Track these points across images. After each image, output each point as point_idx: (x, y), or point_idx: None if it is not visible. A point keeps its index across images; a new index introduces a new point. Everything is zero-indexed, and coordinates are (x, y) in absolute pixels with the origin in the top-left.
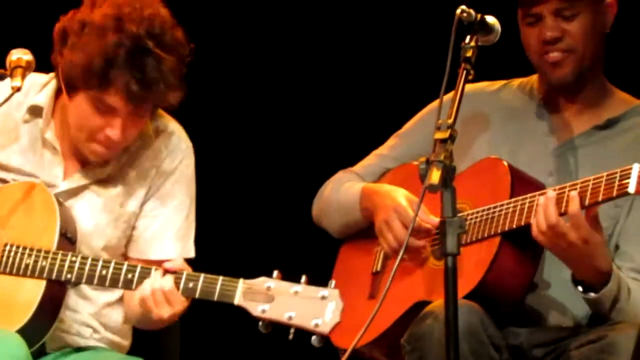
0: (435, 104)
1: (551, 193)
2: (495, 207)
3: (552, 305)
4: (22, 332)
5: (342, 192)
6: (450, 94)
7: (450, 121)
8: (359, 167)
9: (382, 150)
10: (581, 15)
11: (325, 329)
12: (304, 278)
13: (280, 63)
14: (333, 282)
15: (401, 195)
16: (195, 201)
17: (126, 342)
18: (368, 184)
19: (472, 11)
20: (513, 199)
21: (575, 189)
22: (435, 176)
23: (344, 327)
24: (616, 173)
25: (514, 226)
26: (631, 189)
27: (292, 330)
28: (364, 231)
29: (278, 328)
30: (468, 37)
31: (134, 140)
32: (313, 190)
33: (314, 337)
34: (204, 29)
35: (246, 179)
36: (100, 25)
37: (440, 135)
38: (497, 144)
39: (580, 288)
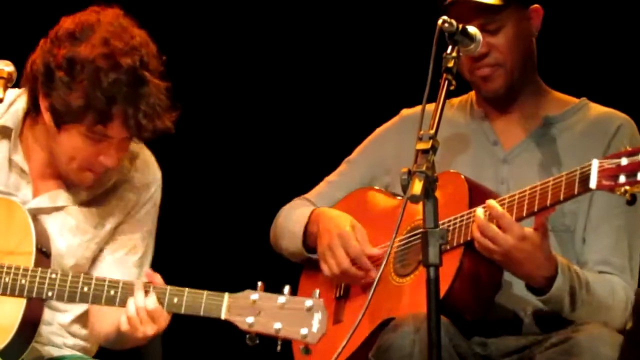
0: (383, 128)
1: (479, 210)
2: (455, 219)
3: (518, 310)
4: (3, 353)
5: (293, 218)
6: (416, 109)
7: (432, 132)
8: (312, 194)
9: (333, 176)
10: (505, 28)
11: (313, 339)
12: (287, 288)
13: (255, 90)
14: (317, 292)
15: (346, 222)
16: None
17: (94, 347)
18: (317, 208)
19: (453, 21)
20: (473, 209)
21: (535, 192)
22: (417, 187)
23: (312, 354)
24: (576, 171)
25: (469, 237)
26: (592, 184)
27: (279, 342)
28: None
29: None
30: (450, 48)
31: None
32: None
33: (301, 347)
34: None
35: (221, 193)
36: (94, 63)
37: (422, 145)
38: (444, 161)
39: (534, 295)
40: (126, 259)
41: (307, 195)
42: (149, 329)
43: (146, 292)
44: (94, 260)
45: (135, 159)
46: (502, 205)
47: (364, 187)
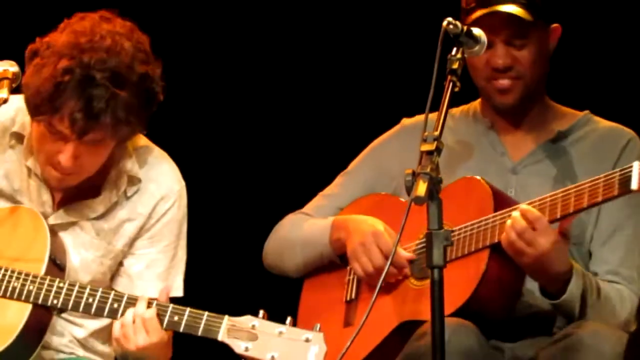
0: (384, 136)
1: (515, 213)
2: (480, 222)
3: (535, 313)
4: (3, 355)
5: (306, 228)
6: (417, 118)
7: (436, 133)
8: (309, 208)
9: (331, 190)
10: (531, 44)
11: None
12: (289, 319)
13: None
14: (318, 326)
15: (378, 222)
16: (186, 239)
17: None
18: (339, 216)
19: (458, 23)
20: (499, 212)
21: (562, 196)
22: (421, 188)
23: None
24: (615, 173)
25: (496, 240)
26: (634, 185)
27: None
28: (327, 266)
29: None
30: (454, 49)
31: (96, 169)
32: None
33: None
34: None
35: (236, 217)
36: (58, 51)
37: (426, 147)
38: (450, 169)
39: (548, 299)
40: (146, 273)
41: (304, 210)
42: (141, 339)
43: (149, 305)
44: (114, 275)
45: (151, 171)
46: (533, 207)
47: (368, 194)
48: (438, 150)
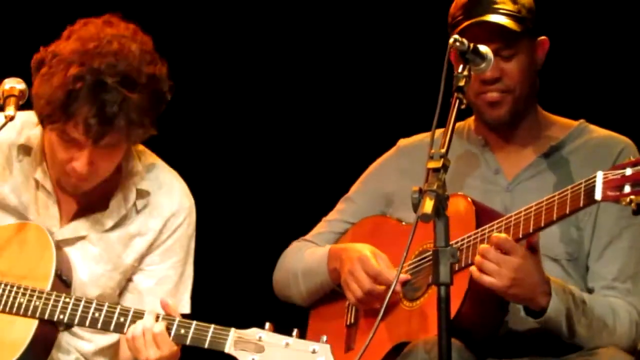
0: (381, 159)
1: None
2: (463, 239)
3: (530, 331)
4: None
5: (306, 258)
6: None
7: (443, 150)
8: (312, 235)
9: (333, 215)
10: (519, 55)
11: None
12: (295, 331)
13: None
14: (325, 337)
15: (365, 248)
16: (194, 256)
17: None
18: (334, 245)
19: (465, 40)
20: (480, 229)
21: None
22: (428, 206)
23: None
24: (581, 184)
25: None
26: (597, 196)
27: None
28: (330, 295)
29: None
30: (461, 66)
31: (110, 172)
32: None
33: None
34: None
35: (243, 229)
36: (66, 59)
37: (433, 164)
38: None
39: (532, 318)
40: (155, 289)
41: (307, 237)
42: (152, 353)
43: (156, 318)
44: (123, 290)
45: (161, 186)
46: (508, 223)
47: (368, 217)
48: (444, 167)
